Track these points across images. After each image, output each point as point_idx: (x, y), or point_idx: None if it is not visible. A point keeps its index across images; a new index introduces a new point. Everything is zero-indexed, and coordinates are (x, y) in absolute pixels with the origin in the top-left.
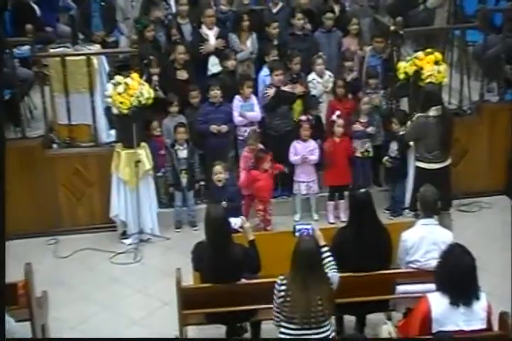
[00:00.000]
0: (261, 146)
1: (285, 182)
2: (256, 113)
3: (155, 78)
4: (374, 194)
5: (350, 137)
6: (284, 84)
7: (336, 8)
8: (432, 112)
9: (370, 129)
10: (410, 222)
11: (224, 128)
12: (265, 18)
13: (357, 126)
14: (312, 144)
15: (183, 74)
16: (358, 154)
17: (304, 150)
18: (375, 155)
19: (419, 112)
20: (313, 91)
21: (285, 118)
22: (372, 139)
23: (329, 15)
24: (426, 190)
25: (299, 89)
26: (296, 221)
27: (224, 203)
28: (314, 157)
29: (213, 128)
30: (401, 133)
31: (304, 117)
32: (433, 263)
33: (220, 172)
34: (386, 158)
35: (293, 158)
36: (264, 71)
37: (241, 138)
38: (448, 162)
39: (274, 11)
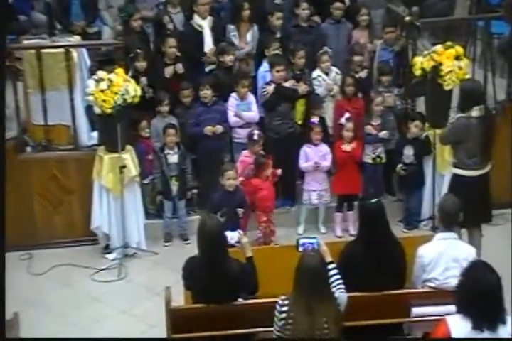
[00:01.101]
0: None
1: (286, 190)
2: (253, 113)
3: (143, 76)
4: (387, 204)
5: (361, 141)
6: (285, 81)
7: None
8: (475, 112)
9: (383, 133)
10: (427, 235)
11: (219, 128)
12: (267, 6)
13: (369, 128)
14: (324, 148)
15: (172, 71)
16: (369, 160)
17: (315, 155)
18: (388, 160)
19: (459, 113)
20: (318, 90)
21: (286, 118)
22: (385, 143)
23: (338, 4)
24: (446, 199)
25: (302, 87)
26: (300, 234)
27: (224, 212)
28: (327, 163)
29: (207, 129)
30: (424, 135)
31: (314, 119)
32: (453, 282)
33: (233, 178)
34: (400, 165)
35: (304, 164)
36: (264, 66)
37: (237, 140)
38: (488, 168)
39: (278, 1)
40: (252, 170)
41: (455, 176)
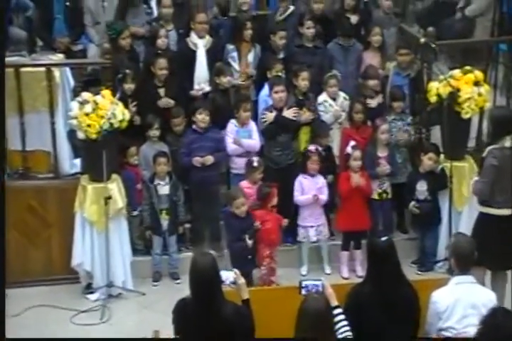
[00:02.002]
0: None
1: (287, 226)
2: (254, 141)
3: (131, 99)
4: (398, 243)
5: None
6: (287, 107)
7: (355, 16)
8: (508, 142)
9: (386, 168)
10: (443, 278)
11: (209, 159)
12: (270, 25)
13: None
14: (321, 181)
15: (165, 103)
16: (375, 196)
17: (312, 187)
18: (400, 195)
19: (491, 143)
20: (325, 117)
21: (287, 148)
22: (395, 177)
23: (348, 22)
24: (460, 239)
25: (305, 115)
26: (303, 275)
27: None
28: (324, 196)
29: (196, 161)
30: (439, 168)
31: (312, 147)
32: (471, 331)
33: (242, 205)
34: (413, 203)
35: (300, 197)
36: (266, 90)
37: (235, 171)
38: None
39: (282, 17)
40: (256, 202)
41: (482, 215)
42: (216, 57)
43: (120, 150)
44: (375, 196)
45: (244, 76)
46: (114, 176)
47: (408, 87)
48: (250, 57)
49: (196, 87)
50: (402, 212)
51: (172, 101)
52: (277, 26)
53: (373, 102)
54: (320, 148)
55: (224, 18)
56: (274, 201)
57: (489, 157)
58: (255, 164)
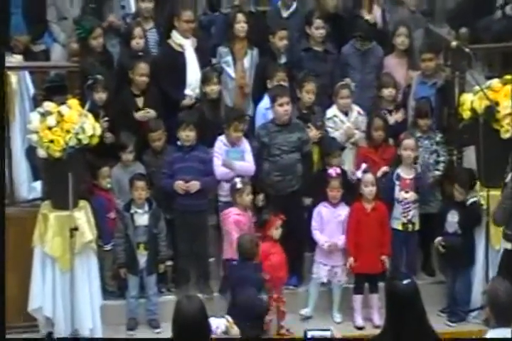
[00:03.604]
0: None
1: (291, 264)
2: (248, 163)
3: (103, 110)
4: (423, 287)
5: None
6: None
7: (377, 13)
8: None
9: (409, 195)
10: (477, 331)
11: (194, 186)
12: (270, 24)
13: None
14: (344, 212)
15: (144, 115)
16: (398, 226)
17: (332, 219)
18: (427, 228)
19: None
20: (334, 134)
21: (289, 173)
22: (420, 205)
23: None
24: (498, 283)
25: (312, 133)
26: (306, 317)
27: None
28: (342, 240)
29: (178, 186)
30: (470, 201)
31: (332, 170)
32: None
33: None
34: (439, 239)
35: (318, 236)
36: (265, 102)
37: (224, 199)
38: None
39: (285, 14)
40: (255, 232)
41: (508, 252)
42: (205, 59)
43: (89, 171)
44: (398, 226)
45: (242, 84)
46: (82, 203)
47: (435, 98)
48: (246, 62)
49: (189, 93)
50: (429, 250)
51: (152, 112)
52: (277, 24)
53: (392, 118)
54: (338, 171)
55: (215, 14)
56: (276, 234)
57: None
58: (239, 186)
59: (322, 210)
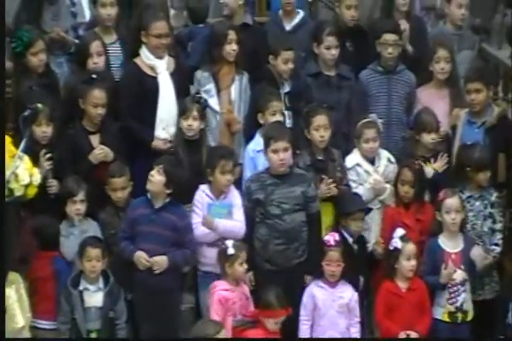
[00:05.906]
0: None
1: None
2: (237, 223)
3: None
4: None
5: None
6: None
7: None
8: None
9: (458, 274)
10: None
11: (160, 264)
12: (270, 40)
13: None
14: (347, 294)
15: (99, 156)
16: (443, 316)
17: (330, 303)
18: (482, 318)
19: None
20: (358, 189)
21: (293, 239)
22: (474, 289)
23: (391, 38)
24: None
25: (323, 188)
26: None
27: None
28: (355, 329)
29: (139, 261)
30: None
31: (329, 237)
32: None
33: None
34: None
35: (305, 326)
36: (256, 142)
37: (204, 268)
38: None
39: (288, 27)
40: (244, 317)
41: None
42: (184, 86)
43: (24, 232)
44: (444, 317)
45: (230, 120)
46: (12, 276)
47: (486, 142)
48: (234, 91)
49: (161, 133)
50: None
51: (110, 152)
52: (279, 42)
53: (431, 169)
54: (337, 237)
55: (198, 26)
56: (274, 328)
57: None
58: (230, 251)
59: (315, 292)
